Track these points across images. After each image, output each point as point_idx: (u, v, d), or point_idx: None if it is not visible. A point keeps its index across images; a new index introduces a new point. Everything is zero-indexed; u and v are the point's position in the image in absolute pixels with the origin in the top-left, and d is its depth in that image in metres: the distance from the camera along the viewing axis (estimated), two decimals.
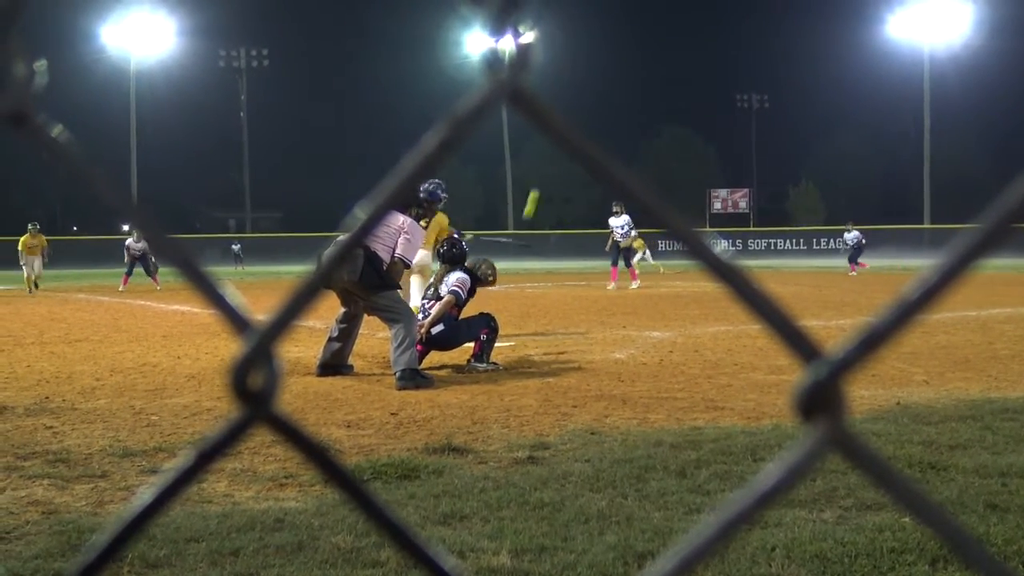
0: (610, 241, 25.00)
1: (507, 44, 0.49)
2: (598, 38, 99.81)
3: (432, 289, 9.87)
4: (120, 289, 25.71)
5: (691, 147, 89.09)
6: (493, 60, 0.49)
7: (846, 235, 37.29)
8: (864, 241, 37.32)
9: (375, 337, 12.28)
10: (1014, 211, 0.45)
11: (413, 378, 8.30)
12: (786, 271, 37.31)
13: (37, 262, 26.74)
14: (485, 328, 9.53)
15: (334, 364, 9.07)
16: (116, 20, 64.80)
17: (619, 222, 24.28)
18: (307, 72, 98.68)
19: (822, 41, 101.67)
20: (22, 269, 26.81)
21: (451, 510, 4.40)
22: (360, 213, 0.53)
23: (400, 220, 9.18)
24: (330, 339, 9.14)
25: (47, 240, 27.99)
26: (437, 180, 12.24)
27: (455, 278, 9.76)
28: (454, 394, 7.80)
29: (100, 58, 66.71)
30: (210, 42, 76.72)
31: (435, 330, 9.56)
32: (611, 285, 24.34)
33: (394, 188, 0.51)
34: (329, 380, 8.61)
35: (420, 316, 9.66)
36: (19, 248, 27.12)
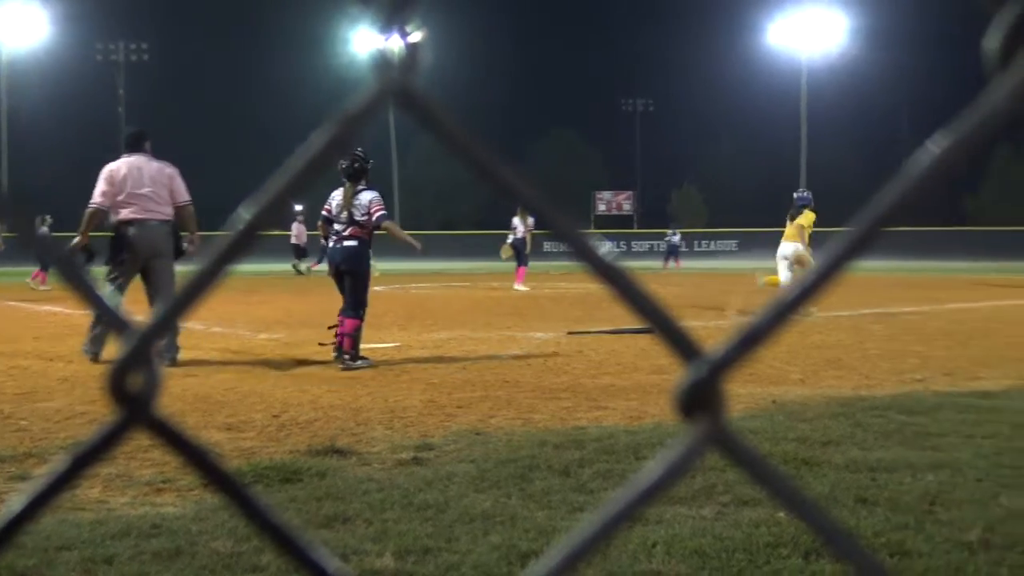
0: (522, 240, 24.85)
1: (396, 43, 0.49)
2: (485, 39, 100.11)
3: (345, 213, 9.68)
4: (40, 288, 24.09)
5: (577, 149, 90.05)
6: (381, 59, 0.49)
7: (671, 237, 44.42)
8: (681, 244, 45.10)
9: (257, 338, 12.09)
10: (883, 216, 0.47)
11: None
12: (668, 272, 38.01)
13: None
14: (358, 319, 9.53)
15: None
16: None
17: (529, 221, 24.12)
18: (190, 68, 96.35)
19: (705, 49, 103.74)
20: None
21: (334, 512, 4.36)
22: (245, 213, 0.52)
23: (164, 170, 9.73)
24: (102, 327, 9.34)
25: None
26: (804, 188, 16.63)
27: (371, 199, 9.73)
28: (337, 395, 7.72)
29: None
30: (86, 34, 74.42)
31: (349, 243, 9.62)
32: (520, 285, 24.32)
33: (283, 186, 0.50)
34: (210, 382, 8.43)
35: (331, 242, 9.75)
36: None
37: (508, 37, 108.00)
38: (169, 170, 9.81)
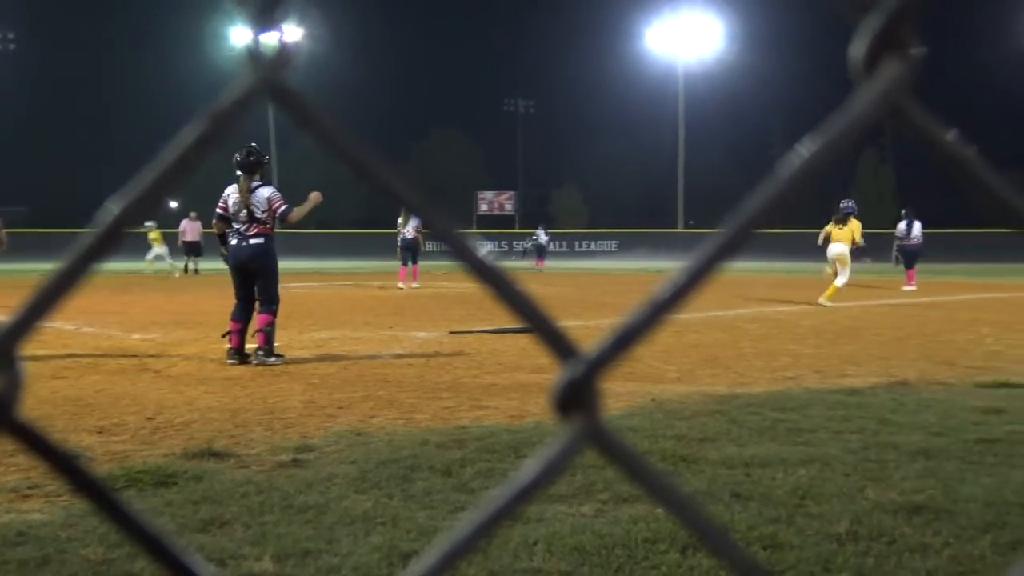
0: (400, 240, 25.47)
1: (269, 39, 0.48)
2: (368, 37, 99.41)
3: (244, 211, 9.69)
4: None
5: (459, 149, 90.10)
6: (254, 54, 0.48)
7: (538, 236, 45.87)
8: (548, 244, 46.99)
9: (130, 339, 11.77)
10: (753, 218, 0.49)
11: None
12: (549, 272, 38.33)
13: None
14: (271, 315, 9.65)
15: None
16: None
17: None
18: (60, 59, 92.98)
19: (585, 51, 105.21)
20: None
21: (211, 516, 4.27)
22: (113, 208, 0.50)
23: None
24: None
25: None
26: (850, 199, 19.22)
27: (269, 196, 9.73)
28: (215, 397, 7.57)
29: None
30: None
31: (255, 241, 9.63)
32: (415, 283, 24.95)
33: (150, 183, 0.49)
34: (80, 383, 8.17)
35: (235, 241, 9.71)
36: None
37: (392, 35, 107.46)
38: None
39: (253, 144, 9.93)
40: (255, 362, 9.43)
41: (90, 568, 3.60)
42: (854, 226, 19.04)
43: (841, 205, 19.40)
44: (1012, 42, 68.99)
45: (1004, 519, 4.23)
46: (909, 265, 25.16)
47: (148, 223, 36.34)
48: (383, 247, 48.83)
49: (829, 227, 19.26)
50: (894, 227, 26.69)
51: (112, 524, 0.52)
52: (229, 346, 9.65)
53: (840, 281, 18.35)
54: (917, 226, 25.66)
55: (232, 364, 9.42)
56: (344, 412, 6.94)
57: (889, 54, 0.47)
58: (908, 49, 0.47)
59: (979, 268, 33.10)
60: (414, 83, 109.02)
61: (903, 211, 26.26)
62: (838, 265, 18.85)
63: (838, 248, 18.88)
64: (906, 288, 23.98)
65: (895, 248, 26.20)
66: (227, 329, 9.73)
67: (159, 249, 35.25)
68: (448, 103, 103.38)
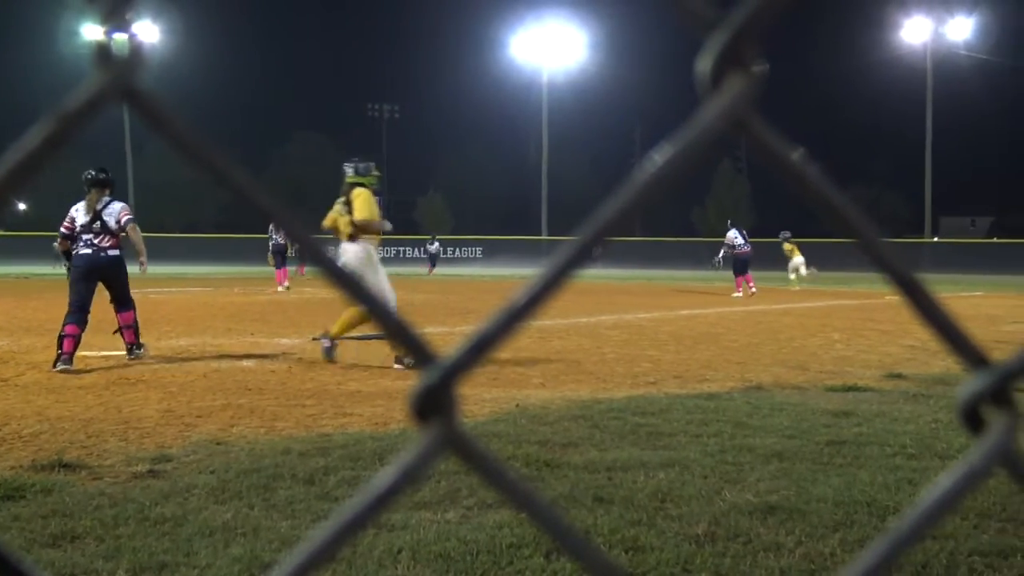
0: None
1: (121, 38, 0.47)
2: (229, 38, 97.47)
3: (97, 222, 9.91)
4: None
5: (322, 153, 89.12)
6: (103, 54, 0.47)
7: (429, 246, 49.47)
8: (439, 252, 50.11)
9: None
10: (606, 226, 0.50)
11: None
12: (415, 279, 38.21)
13: None
14: (134, 310, 10.11)
15: None
16: None
17: None
18: None
19: (451, 58, 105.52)
20: None
21: (62, 530, 4.11)
22: None
23: None
24: None
25: None
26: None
27: (122, 207, 10.12)
28: (65, 406, 7.29)
29: None
30: None
31: (112, 252, 9.92)
32: (280, 287, 26.32)
33: None
34: None
35: (89, 250, 9.86)
36: None
37: (252, 37, 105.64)
38: None
39: (103, 167, 10.35)
40: (131, 357, 9.82)
41: None
42: None
43: None
44: (859, 61, 72.01)
45: (852, 518, 4.41)
46: (743, 272, 26.10)
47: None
48: (242, 252, 47.97)
49: None
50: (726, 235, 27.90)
51: None
52: (59, 351, 9.23)
53: None
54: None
55: (62, 370, 9.03)
56: (203, 421, 6.77)
57: (733, 70, 0.49)
58: (751, 66, 0.49)
59: (829, 276, 34.45)
60: (275, 86, 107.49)
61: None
62: None
63: None
64: (736, 295, 24.99)
65: (722, 254, 27.53)
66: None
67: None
68: (310, 107, 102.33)
